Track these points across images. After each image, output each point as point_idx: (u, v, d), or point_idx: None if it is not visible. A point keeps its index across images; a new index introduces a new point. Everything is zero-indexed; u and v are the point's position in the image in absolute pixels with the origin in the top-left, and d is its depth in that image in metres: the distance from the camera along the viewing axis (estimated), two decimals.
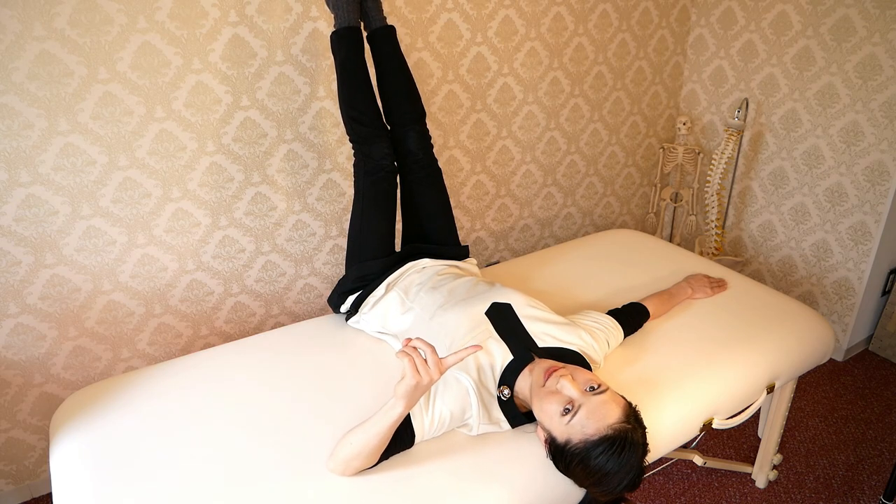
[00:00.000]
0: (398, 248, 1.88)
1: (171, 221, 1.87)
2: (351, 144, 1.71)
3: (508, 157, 2.46)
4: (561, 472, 1.19)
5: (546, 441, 1.20)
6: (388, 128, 1.72)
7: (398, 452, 1.22)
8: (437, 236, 1.74)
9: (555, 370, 1.20)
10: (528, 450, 1.25)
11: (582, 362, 1.35)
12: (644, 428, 1.17)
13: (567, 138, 2.59)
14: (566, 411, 1.14)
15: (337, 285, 1.67)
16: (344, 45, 1.63)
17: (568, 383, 1.16)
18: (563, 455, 1.15)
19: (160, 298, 1.94)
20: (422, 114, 1.71)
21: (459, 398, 1.25)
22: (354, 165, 1.68)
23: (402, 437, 1.20)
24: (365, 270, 1.62)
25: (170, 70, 1.71)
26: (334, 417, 1.32)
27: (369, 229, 1.65)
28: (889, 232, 2.32)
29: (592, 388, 1.17)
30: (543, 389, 1.19)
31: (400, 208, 1.77)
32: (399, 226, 1.97)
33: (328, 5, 1.67)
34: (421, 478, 1.19)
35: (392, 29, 1.69)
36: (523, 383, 1.28)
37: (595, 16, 2.41)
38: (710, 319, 1.67)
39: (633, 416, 1.16)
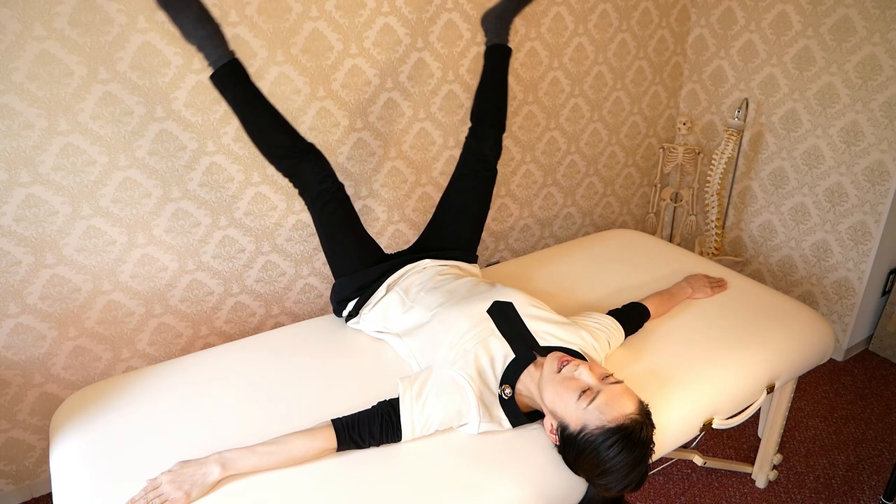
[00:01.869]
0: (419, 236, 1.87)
1: (171, 221, 1.87)
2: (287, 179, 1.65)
3: (508, 157, 2.46)
4: (568, 463, 1.19)
5: (555, 431, 1.20)
6: (470, 125, 1.76)
7: (388, 443, 1.25)
8: (460, 235, 1.74)
9: (569, 360, 1.22)
10: (530, 448, 1.25)
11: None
12: (653, 426, 1.18)
13: (567, 138, 2.59)
14: (584, 396, 1.15)
15: (333, 293, 1.65)
16: (229, 85, 1.49)
17: (586, 370, 1.19)
18: (574, 444, 1.15)
19: (160, 298, 1.94)
20: (503, 126, 1.78)
21: (455, 398, 1.26)
22: (299, 194, 1.62)
23: (390, 428, 1.23)
24: (364, 279, 1.61)
25: (170, 70, 1.71)
26: (334, 417, 1.32)
27: (341, 250, 1.63)
28: (889, 232, 2.32)
29: (608, 378, 1.19)
30: (558, 376, 1.20)
31: (437, 205, 1.78)
32: (404, 226, 1.96)
33: (196, 46, 1.45)
34: (423, 472, 1.19)
35: (510, 51, 1.80)
36: (527, 381, 1.28)
37: (595, 16, 2.41)
38: (710, 319, 1.67)
39: (645, 413, 1.17)
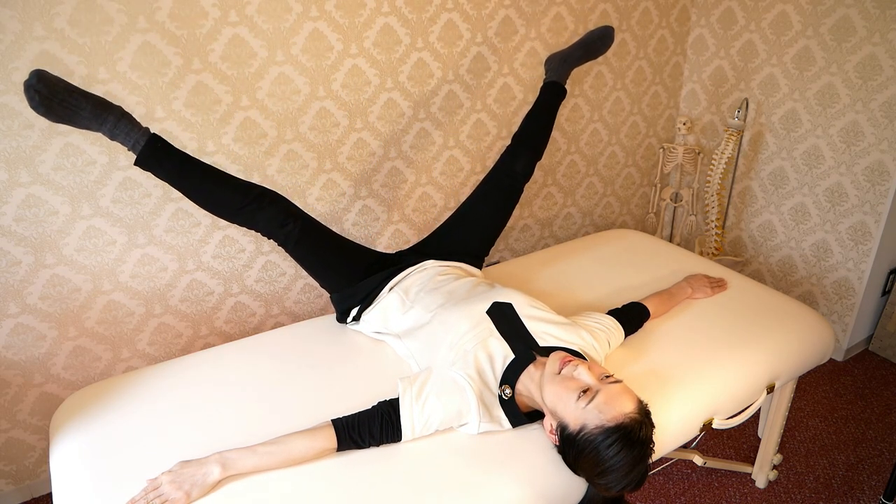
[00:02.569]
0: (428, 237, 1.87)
1: (171, 221, 1.87)
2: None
3: None
4: (568, 463, 1.19)
5: (555, 431, 1.20)
6: (509, 145, 1.81)
7: (388, 443, 1.25)
8: (471, 242, 1.75)
9: (570, 360, 1.22)
10: (530, 448, 1.25)
11: None
12: (653, 426, 1.18)
13: (567, 138, 2.59)
14: (583, 396, 1.15)
15: (336, 304, 1.64)
16: (155, 163, 1.41)
17: (585, 370, 1.19)
18: (574, 443, 1.16)
19: (160, 298, 1.94)
20: (540, 153, 1.84)
21: (455, 398, 1.26)
22: (269, 238, 1.58)
23: (390, 428, 1.23)
24: (367, 289, 1.60)
25: (170, 70, 1.71)
26: (334, 417, 1.32)
27: (328, 273, 1.62)
28: (889, 232, 2.32)
29: (608, 377, 1.19)
30: (559, 376, 1.21)
31: (455, 210, 1.80)
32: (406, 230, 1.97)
33: (103, 134, 1.37)
34: (423, 472, 1.19)
35: (566, 92, 1.91)
36: (526, 381, 1.28)
37: (595, 16, 2.41)
38: (709, 319, 1.67)
39: (645, 412, 1.17)
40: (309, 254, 1.58)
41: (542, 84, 1.93)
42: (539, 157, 1.83)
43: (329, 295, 1.69)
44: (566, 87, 1.91)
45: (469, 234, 1.75)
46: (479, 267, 1.76)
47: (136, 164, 1.40)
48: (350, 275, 1.61)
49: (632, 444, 1.11)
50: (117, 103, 1.36)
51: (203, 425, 1.32)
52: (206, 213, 1.90)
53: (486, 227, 1.76)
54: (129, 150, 1.40)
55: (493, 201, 1.77)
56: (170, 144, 1.43)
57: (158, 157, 1.41)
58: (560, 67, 1.91)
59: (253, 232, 2.01)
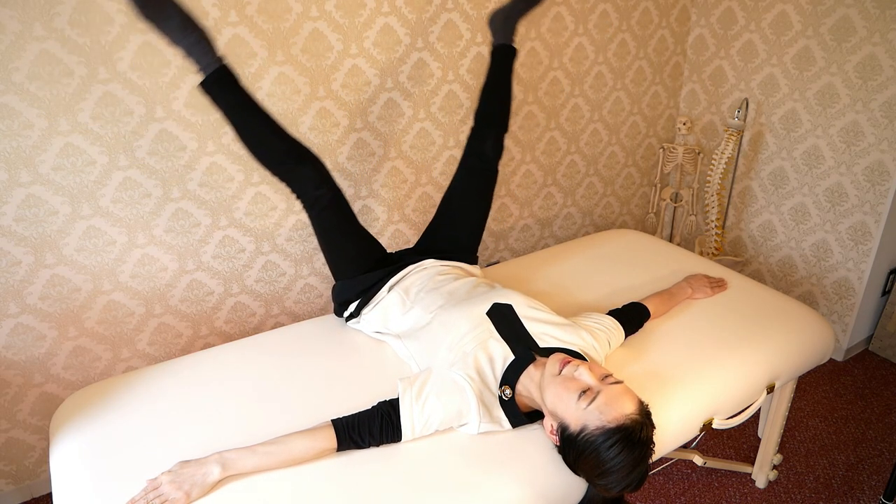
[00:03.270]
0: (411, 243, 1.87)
1: (171, 221, 1.87)
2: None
3: (509, 157, 2.46)
4: (568, 464, 1.19)
5: (555, 431, 1.20)
6: (472, 125, 1.76)
7: (388, 443, 1.25)
8: (460, 235, 1.74)
9: (570, 361, 1.22)
10: (530, 448, 1.25)
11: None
12: (654, 426, 1.18)
13: (567, 138, 2.59)
14: (584, 397, 1.15)
15: (334, 294, 1.65)
16: (220, 93, 1.47)
17: (586, 371, 1.19)
18: (574, 444, 1.15)
19: (160, 298, 1.94)
20: (506, 126, 1.77)
21: (455, 398, 1.26)
22: (297, 198, 1.61)
23: (390, 429, 1.23)
24: (366, 283, 1.61)
25: (170, 70, 1.71)
26: (334, 417, 1.32)
27: (341, 254, 1.63)
28: (889, 232, 2.32)
29: (608, 378, 1.19)
30: (559, 377, 1.20)
31: (438, 206, 1.77)
32: (399, 228, 1.97)
33: (179, 49, 1.43)
34: (423, 472, 1.19)
35: (515, 51, 1.82)
36: (526, 382, 1.28)
37: (595, 16, 2.41)
38: (710, 319, 1.67)
39: (645, 413, 1.17)
40: (331, 226, 1.59)
41: (490, 49, 1.83)
42: (506, 130, 1.77)
43: (332, 287, 1.68)
44: (515, 45, 1.82)
45: (457, 231, 1.74)
46: (474, 262, 1.76)
47: (200, 86, 1.46)
48: (358, 261, 1.62)
49: (632, 446, 1.11)
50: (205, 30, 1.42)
51: (203, 425, 1.32)
52: (208, 211, 1.91)
53: (474, 217, 1.75)
54: (198, 71, 1.46)
55: (472, 191, 1.74)
56: (237, 81, 1.47)
57: (223, 87, 1.46)
58: (505, 25, 1.81)
59: (252, 232, 2.01)
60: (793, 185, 2.53)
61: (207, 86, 1.45)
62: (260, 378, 1.46)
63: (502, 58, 1.79)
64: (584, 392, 1.16)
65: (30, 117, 1.57)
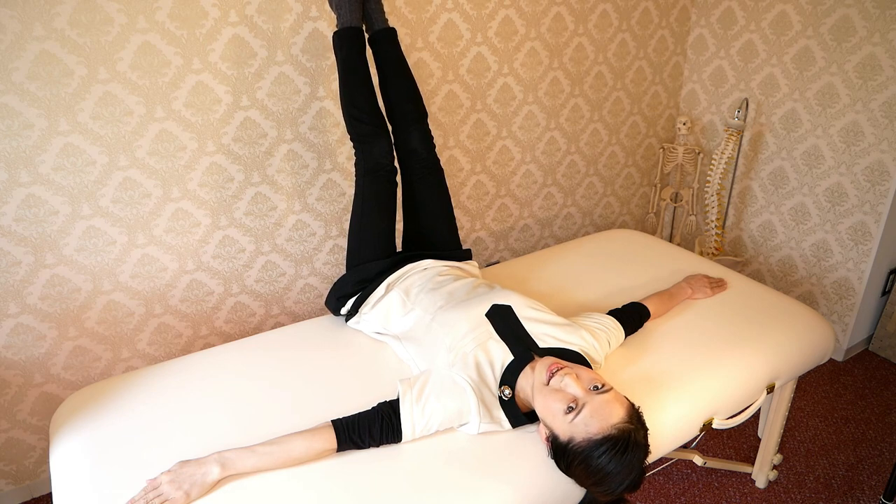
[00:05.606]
0: (399, 249, 1.87)
1: (171, 221, 1.87)
2: (352, 143, 1.71)
3: (508, 157, 2.46)
4: (562, 471, 1.19)
5: (547, 439, 1.20)
6: (390, 127, 1.73)
7: (387, 444, 1.25)
8: (438, 237, 1.74)
9: (559, 368, 1.21)
10: (530, 448, 1.25)
11: (583, 362, 1.35)
12: (646, 429, 1.17)
13: (567, 138, 2.59)
14: (570, 409, 1.14)
15: (334, 288, 1.66)
16: (346, 45, 1.63)
17: (572, 381, 1.17)
18: (564, 454, 1.15)
19: (160, 298, 1.94)
20: (424, 114, 1.72)
21: (455, 399, 1.26)
22: (355, 164, 1.68)
23: (390, 430, 1.22)
24: (364, 274, 1.62)
25: (170, 70, 1.71)
26: (333, 417, 1.32)
27: (369, 227, 1.65)
28: (889, 232, 2.32)
29: (596, 388, 1.17)
30: (547, 387, 1.20)
31: (401, 209, 1.77)
32: (400, 227, 1.98)
33: (331, 6, 1.68)
34: (423, 472, 1.19)
35: (393, 31, 1.70)
36: (524, 383, 1.28)
37: (595, 16, 2.41)
38: (709, 319, 1.67)
39: (636, 417, 1.16)
40: (374, 196, 1.65)
41: (368, 37, 1.71)
42: (426, 117, 1.71)
43: (332, 286, 1.69)
44: (389, 24, 1.70)
45: (434, 235, 1.73)
46: (467, 255, 1.75)
47: (333, 35, 1.65)
48: (380, 240, 1.66)
49: (622, 453, 1.10)
50: None
51: (203, 425, 1.32)
52: (209, 211, 1.91)
53: (438, 213, 1.74)
54: (336, 24, 1.65)
55: (424, 189, 1.72)
56: (364, 46, 1.65)
57: (349, 43, 1.63)
58: (375, 7, 1.67)
59: (252, 232, 2.01)
60: (793, 185, 2.53)
61: (338, 36, 1.63)
62: (260, 378, 1.46)
63: (387, 44, 1.68)
64: (571, 404, 1.15)
65: (30, 117, 1.57)
